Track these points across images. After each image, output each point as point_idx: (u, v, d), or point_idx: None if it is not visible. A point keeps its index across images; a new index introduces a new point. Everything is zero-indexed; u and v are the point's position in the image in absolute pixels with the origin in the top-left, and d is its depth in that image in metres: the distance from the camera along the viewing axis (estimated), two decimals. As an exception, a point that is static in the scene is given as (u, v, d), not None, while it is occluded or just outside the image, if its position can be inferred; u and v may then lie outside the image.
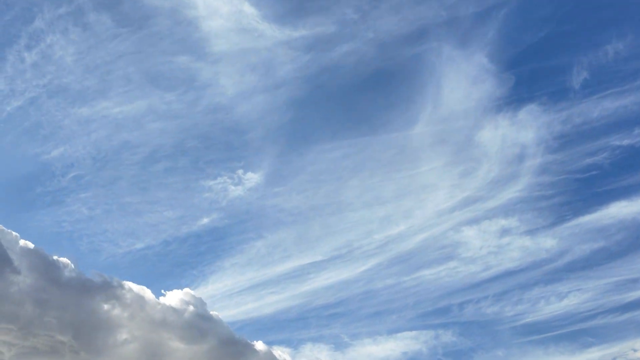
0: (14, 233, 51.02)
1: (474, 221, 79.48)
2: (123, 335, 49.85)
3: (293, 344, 73.76)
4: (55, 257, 50.94)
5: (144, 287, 53.65)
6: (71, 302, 48.52)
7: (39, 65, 77.05)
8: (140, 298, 51.84)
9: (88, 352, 47.35)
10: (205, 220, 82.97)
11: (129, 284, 52.77)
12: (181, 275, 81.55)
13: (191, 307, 54.13)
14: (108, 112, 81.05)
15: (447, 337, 74.78)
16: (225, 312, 76.24)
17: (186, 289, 57.78)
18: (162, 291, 57.12)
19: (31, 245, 51.57)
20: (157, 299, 53.43)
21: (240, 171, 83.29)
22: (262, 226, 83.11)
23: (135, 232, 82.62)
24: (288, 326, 77.47)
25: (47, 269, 49.41)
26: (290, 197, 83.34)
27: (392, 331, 75.93)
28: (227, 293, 78.82)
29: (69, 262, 51.96)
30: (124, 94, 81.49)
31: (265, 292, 78.95)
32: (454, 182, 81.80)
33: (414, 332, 75.40)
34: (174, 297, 55.14)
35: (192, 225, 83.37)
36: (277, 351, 58.42)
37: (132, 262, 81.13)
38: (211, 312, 57.97)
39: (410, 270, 78.60)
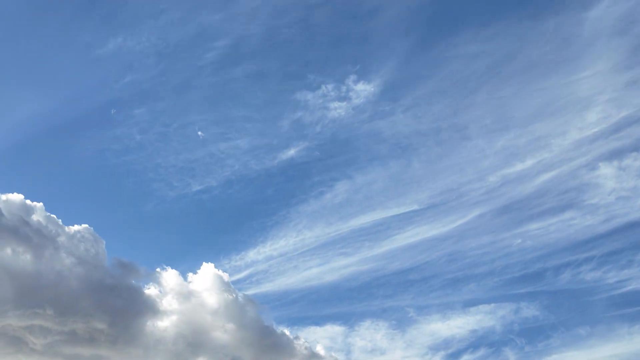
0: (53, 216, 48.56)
1: (616, 154, 63.31)
2: (159, 325, 47.34)
3: (350, 321, 64.26)
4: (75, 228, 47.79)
5: (182, 275, 50.44)
6: (109, 290, 45.92)
7: None
8: (177, 286, 48.80)
9: (125, 342, 45.10)
10: (289, 153, 64.64)
11: (166, 273, 49.71)
12: (236, 230, 67.72)
13: (227, 295, 50.20)
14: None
15: (530, 310, 62.89)
16: (280, 280, 65.41)
17: (210, 265, 52.93)
18: (187, 277, 52.90)
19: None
20: (192, 288, 49.97)
21: (352, 78, 64.36)
22: (353, 162, 66.87)
23: (194, 169, 66.42)
24: (350, 297, 65.85)
25: (85, 253, 46.78)
26: (398, 119, 65.55)
27: (467, 304, 64.56)
28: (288, 255, 66.22)
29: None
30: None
31: (333, 253, 65.87)
32: (615, 95, 62.75)
33: (491, 305, 63.69)
34: (203, 279, 51.23)
35: (269, 159, 65.82)
36: (319, 346, 53.92)
37: (183, 210, 67.57)
38: (245, 293, 54.84)
39: (515, 224, 65.18)
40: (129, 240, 69.41)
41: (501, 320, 63.87)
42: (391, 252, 66.90)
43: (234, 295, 50.47)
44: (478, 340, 63.67)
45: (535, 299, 64.47)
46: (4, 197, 44.84)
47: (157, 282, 49.35)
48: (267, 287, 66.99)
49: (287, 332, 53.91)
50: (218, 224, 70.91)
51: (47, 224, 45.95)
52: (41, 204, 47.31)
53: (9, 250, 43.11)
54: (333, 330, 63.92)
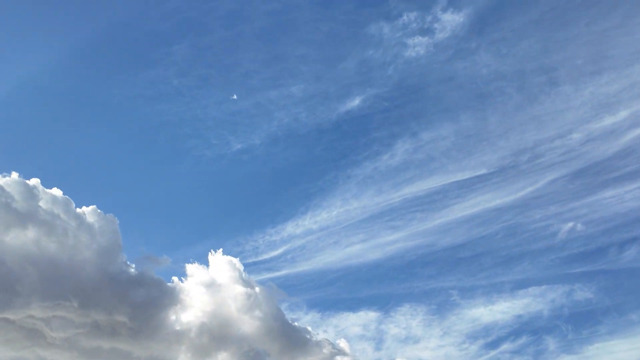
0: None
1: None
2: (182, 318, 45.23)
3: (387, 306, 58.95)
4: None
5: (203, 266, 47.81)
6: (130, 282, 43.63)
7: None
8: (200, 278, 46.37)
9: (146, 336, 43.13)
10: (352, 103, 55.32)
11: (190, 265, 47.23)
12: (274, 198, 59.97)
13: (246, 287, 47.33)
14: None
15: (583, 293, 57.48)
16: (318, 258, 58.91)
17: (219, 253, 49.58)
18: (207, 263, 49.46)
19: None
20: (214, 280, 47.27)
21: (440, 5, 55.54)
22: (420, 113, 58.38)
23: (237, 122, 57.73)
24: (391, 278, 59.45)
25: (103, 240, 44.12)
26: (479, 59, 56.77)
27: (517, 285, 58.61)
28: (329, 229, 58.82)
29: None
30: None
31: (380, 226, 58.61)
32: None
33: (542, 288, 58.09)
34: (220, 269, 48.14)
35: (324, 111, 56.55)
36: (342, 341, 51.26)
37: (220, 173, 59.84)
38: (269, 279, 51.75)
39: (588, 191, 57.80)
40: (157, 214, 63.01)
41: (550, 304, 58.37)
42: (445, 225, 60.88)
43: (253, 288, 47.89)
44: (521, 327, 58.68)
45: (591, 280, 58.91)
46: (7, 178, 42.03)
47: (180, 273, 47.21)
48: (302, 267, 61.84)
49: (309, 327, 51.62)
50: (256, 191, 63.67)
51: (59, 208, 42.98)
52: (35, 180, 42.88)
53: (26, 238, 41.15)
54: (367, 316, 60.34)
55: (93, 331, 41.93)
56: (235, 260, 48.59)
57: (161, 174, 60.02)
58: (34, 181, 42.88)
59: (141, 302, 43.04)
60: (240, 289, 47.11)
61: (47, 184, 43.32)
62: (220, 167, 60.75)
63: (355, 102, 56.11)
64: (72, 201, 43.82)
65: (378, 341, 59.23)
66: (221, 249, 50.27)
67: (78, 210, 43.62)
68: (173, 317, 44.78)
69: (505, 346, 58.29)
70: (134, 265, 44.79)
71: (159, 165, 59.47)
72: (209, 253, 49.21)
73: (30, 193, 41.50)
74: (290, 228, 62.02)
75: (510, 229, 60.50)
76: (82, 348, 41.29)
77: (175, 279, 47.38)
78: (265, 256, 60.66)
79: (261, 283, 52.91)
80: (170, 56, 55.16)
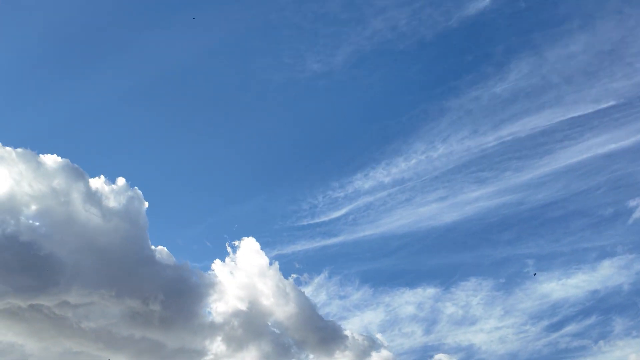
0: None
1: None
2: (215, 309, 42.43)
3: (450, 280, 53.78)
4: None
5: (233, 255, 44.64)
6: (161, 276, 40.59)
7: None
8: (232, 269, 43.18)
9: (179, 326, 40.46)
10: (477, 4, 48.67)
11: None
12: (347, 141, 51.47)
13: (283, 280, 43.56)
14: None
15: None
16: (383, 220, 51.91)
17: (251, 240, 45.45)
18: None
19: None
20: (247, 271, 43.98)
21: None
22: (553, 20, 49.58)
23: (318, 31, 47.97)
24: (462, 244, 53.26)
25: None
26: None
27: (603, 254, 51.87)
28: (404, 184, 51.23)
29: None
30: None
31: (465, 179, 50.50)
32: None
33: (631, 257, 52.35)
34: (251, 258, 44.25)
35: (434, 15, 48.06)
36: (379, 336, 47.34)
37: (287, 106, 49.68)
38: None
39: None
40: (208, 166, 54.31)
41: (634, 277, 51.77)
42: (542, 177, 52.42)
43: (281, 277, 44.24)
44: (594, 305, 50.97)
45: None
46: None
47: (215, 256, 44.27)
48: (363, 231, 53.66)
49: (342, 325, 48.19)
50: (327, 131, 54.04)
51: (72, 181, 38.81)
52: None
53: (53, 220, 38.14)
54: (424, 293, 55.10)
55: (124, 320, 39.49)
56: (256, 243, 44.87)
57: (213, 109, 49.21)
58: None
59: (174, 290, 40.38)
60: (270, 280, 43.88)
61: (39, 147, 37.30)
62: (289, 96, 51.92)
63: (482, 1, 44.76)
64: (85, 172, 39.58)
65: (430, 322, 54.61)
66: (236, 225, 46.04)
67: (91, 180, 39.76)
68: (207, 307, 42.21)
69: (569, 328, 52.81)
70: (165, 249, 41.79)
71: (211, 96, 48.67)
72: (226, 243, 45.53)
73: (36, 162, 37.27)
74: (359, 181, 54.71)
75: (617, 181, 52.53)
76: (112, 338, 38.88)
77: (211, 266, 44.38)
78: (324, 218, 54.59)
79: (307, 256, 48.35)
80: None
